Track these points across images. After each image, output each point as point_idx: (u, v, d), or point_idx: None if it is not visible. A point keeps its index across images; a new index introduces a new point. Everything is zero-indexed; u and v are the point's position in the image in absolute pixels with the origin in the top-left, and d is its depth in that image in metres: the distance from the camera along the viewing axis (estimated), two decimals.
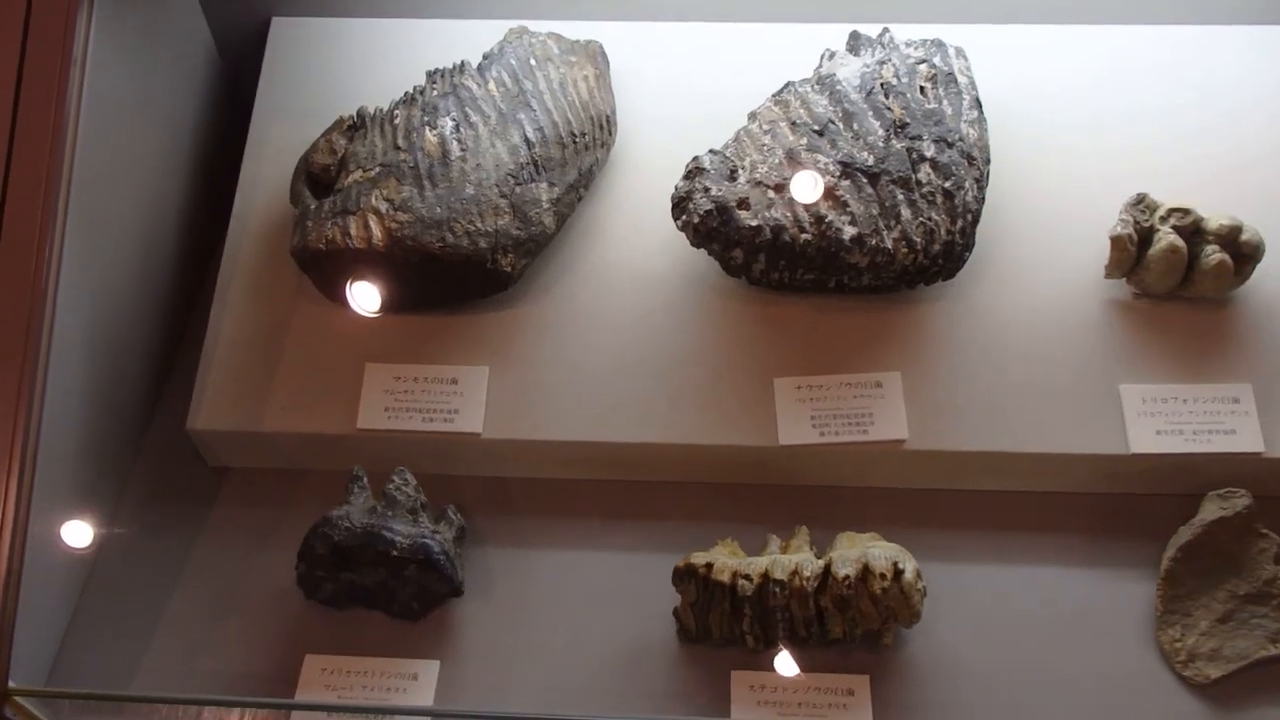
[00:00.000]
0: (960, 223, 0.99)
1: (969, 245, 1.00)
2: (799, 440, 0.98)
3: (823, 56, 1.09)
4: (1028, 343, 1.01)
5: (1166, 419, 0.98)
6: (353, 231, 0.98)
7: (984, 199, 1.02)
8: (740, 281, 1.03)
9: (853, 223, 0.97)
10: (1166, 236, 0.99)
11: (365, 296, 1.02)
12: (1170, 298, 1.01)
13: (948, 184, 0.98)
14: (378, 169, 1.01)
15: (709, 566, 0.90)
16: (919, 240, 0.97)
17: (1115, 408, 0.98)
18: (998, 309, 1.02)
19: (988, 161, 1.03)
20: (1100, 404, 0.98)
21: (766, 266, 0.99)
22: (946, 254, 0.98)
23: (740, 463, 1.00)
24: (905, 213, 0.98)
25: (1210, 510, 0.96)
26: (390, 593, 0.93)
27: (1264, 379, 0.98)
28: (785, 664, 0.93)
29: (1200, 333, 1.01)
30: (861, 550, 0.91)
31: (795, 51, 1.13)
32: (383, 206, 0.99)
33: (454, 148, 1.01)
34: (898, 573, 0.88)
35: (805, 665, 0.92)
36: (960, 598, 0.96)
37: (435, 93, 1.06)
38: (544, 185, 1.02)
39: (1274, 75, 1.13)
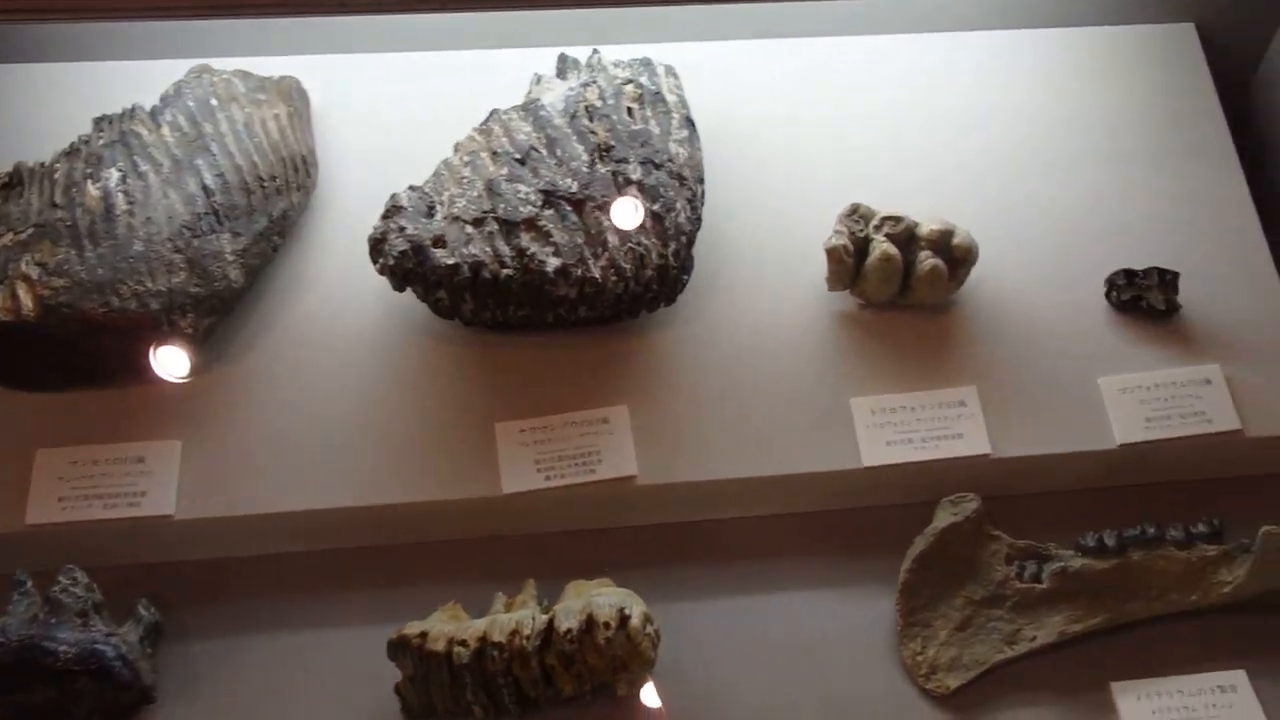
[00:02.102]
0: (673, 245, 0.95)
1: (686, 268, 0.97)
2: (524, 487, 0.92)
3: (532, 82, 1.05)
4: (757, 363, 0.98)
5: (896, 429, 0.96)
6: None
7: (700, 219, 0.99)
8: (456, 324, 0.98)
9: (556, 253, 0.92)
10: (880, 245, 0.98)
11: (29, 374, 0.93)
12: (892, 306, 1.01)
13: (656, 206, 0.94)
14: (30, 230, 0.90)
15: (423, 636, 0.83)
16: (628, 267, 0.93)
17: (847, 422, 0.96)
18: (725, 331, 0.99)
19: (701, 180, 0.99)
20: (833, 419, 0.96)
21: (476, 306, 0.93)
22: (661, 278, 0.94)
23: (464, 517, 0.93)
24: (612, 239, 0.94)
25: (943, 517, 0.94)
26: (65, 711, 0.82)
27: (988, 380, 0.97)
28: None
29: (925, 339, 0.99)
30: (587, 599, 0.86)
31: (512, 76, 1.08)
32: (34, 272, 0.88)
33: (119, 201, 0.92)
34: (623, 620, 0.83)
35: None
36: (705, 633, 0.92)
37: (101, 141, 0.96)
38: (227, 236, 0.94)
39: (989, 80, 1.13)
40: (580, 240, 0.92)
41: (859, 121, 1.11)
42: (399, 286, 0.93)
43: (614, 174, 0.94)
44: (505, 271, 0.91)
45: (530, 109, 0.99)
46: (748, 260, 1.03)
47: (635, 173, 0.95)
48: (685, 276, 0.96)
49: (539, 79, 1.04)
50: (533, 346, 0.98)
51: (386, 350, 0.98)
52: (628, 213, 0.94)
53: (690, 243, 0.97)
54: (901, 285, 0.99)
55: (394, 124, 1.09)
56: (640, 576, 0.92)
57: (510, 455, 0.93)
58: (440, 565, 0.94)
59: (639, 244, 0.93)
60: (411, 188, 0.95)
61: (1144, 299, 1.00)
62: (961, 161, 1.09)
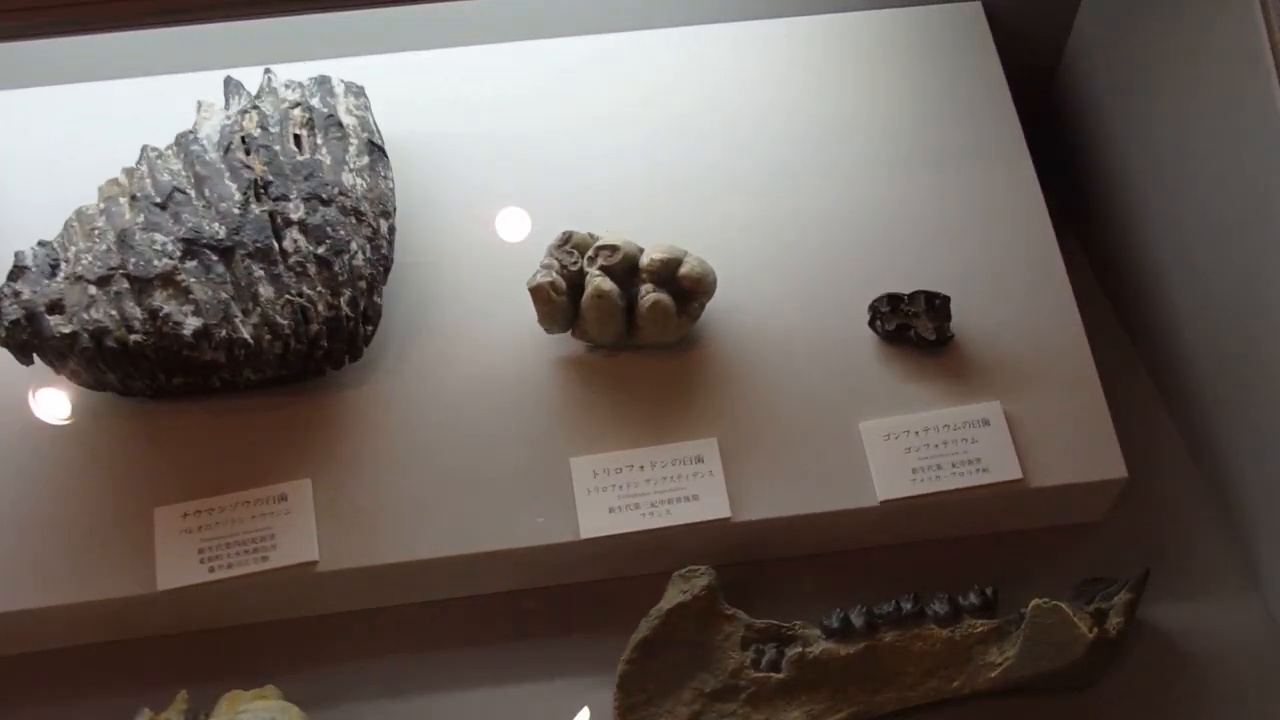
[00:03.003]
0: (349, 292, 0.82)
1: (369, 317, 0.84)
2: (183, 581, 0.79)
3: (196, 110, 0.91)
4: (465, 421, 0.85)
5: (620, 492, 0.83)
6: None
7: (389, 258, 0.86)
8: (110, 396, 0.85)
9: (197, 312, 0.78)
10: (594, 280, 0.85)
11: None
12: (623, 348, 0.87)
13: (321, 249, 0.82)
14: None
15: None
16: (286, 323, 0.80)
17: (566, 485, 0.84)
18: (428, 386, 0.86)
19: (389, 214, 0.86)
20: (552, 484, 0.83)
21: (123, 376, 0.81)
22: (334, 332, 0.81)
23: (116, 619, 0.81)
24: (266, 291, 0.81)
25: (671, 595, 0.81)
26: None
27: (731, 431, 0.84)
28: None
29: (658, 385, 0.86)
30: (235, 716, 0.75)
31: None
32: None
33: None
34: None
35: None
36: None
37: None
38: None
39: (736, 77, 0.99)
40: (227, 295, 0.79)
41: (587, 131, 0.97)
42: (24, 359, 0.81)
43: (272, 214, 0.82)
44: (134, 337, 0.78)
45: (182, 143, 0.85)
46: (454, 302, 0.89)
47: (297, 211, 0.81)
48: (369, 328, 0.84)
49: (200, 106, 0.91)
50: (205, 413, 0.85)
51: (31, 431, 0.85)
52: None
53: (372, 288, 0.83)
54: (627, 323, 0.87)
55: (66, 164, 0.94)
56: (317, 677, 0.81)
57: (170, 545, 0.80)
58: (88, 674, 0.82)
59: (299, 295, 0.80)
60: (41, 243, 0.83)
61: (911, 327, 0.87)
62: (701, 174, 0.95)
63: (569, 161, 0.95)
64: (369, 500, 0.83)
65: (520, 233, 0.92)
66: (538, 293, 0.84)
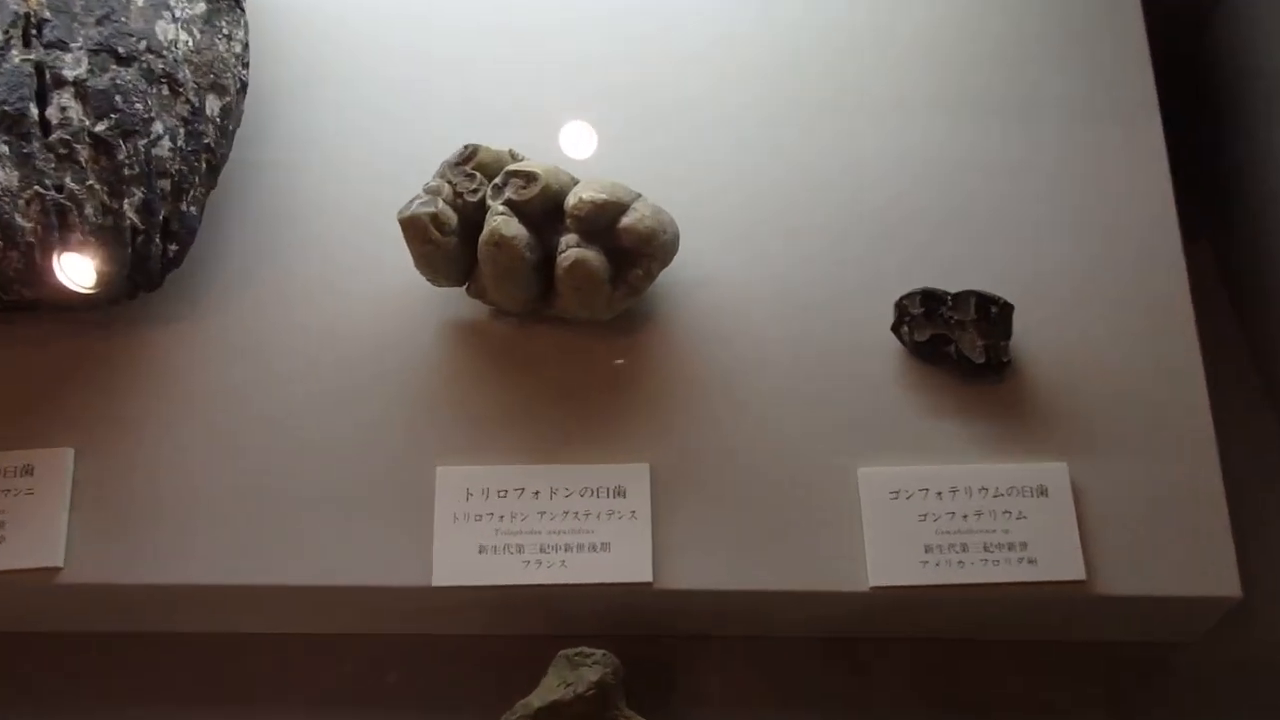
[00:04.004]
0: (140, 193, 0.58)
1: (174, 232, 0.60)
2: None
3: None
4: (299, 397, 0.62)
5: (499, 525, 0.59)
6: None
7: (219, 153, 0.62)
8: None
9: None
10: (494, 220, 0.59)
11: None
12: (538, 318, 0.64)
13: (102, 126, 0.58)
14: None
15: None
16: (30, 225, 0.55)
17: (426, 507, 0.59)
18: (258, 340, 0.63)
19: (228, 91, 0.62)
20: (406, 500, 0.59)
21: None
22: (109, 248, 0.57)
23: None
24: (5, 175, 0.56)
25: (549, 686, 0.58)
26: None
27: (668, 454, 0.60)
28: None
29: (581, 377, 0.62)
30: None
31: None
32: None
33: None
34: None
35: None
36: None
37: None
38: None
39: None
40: None
41: (544, 12, 0.72)
42: None
43: (39, 67, 0.58)
44: None
45: None
46: (312, 226, 0.66)
47: (77, 66, 0.58)
48: (171, 246, 0.60)
49: None
50: None
51: None
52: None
53: (183, 190, 0.60)
54: (541, 286, 0.63)
55: None
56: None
57: None
58: None
59: (57, 188, 0.56)
60: None
61: (952, 341, 0.63)
62: (689, 94, 0.70)
63: (510, 55, 0.71)
64: (149, 489, 0.61)
65: (422, 143, 0.66)
66: (411, 227, 0.59)
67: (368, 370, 0.62)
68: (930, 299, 0.62)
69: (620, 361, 0.61)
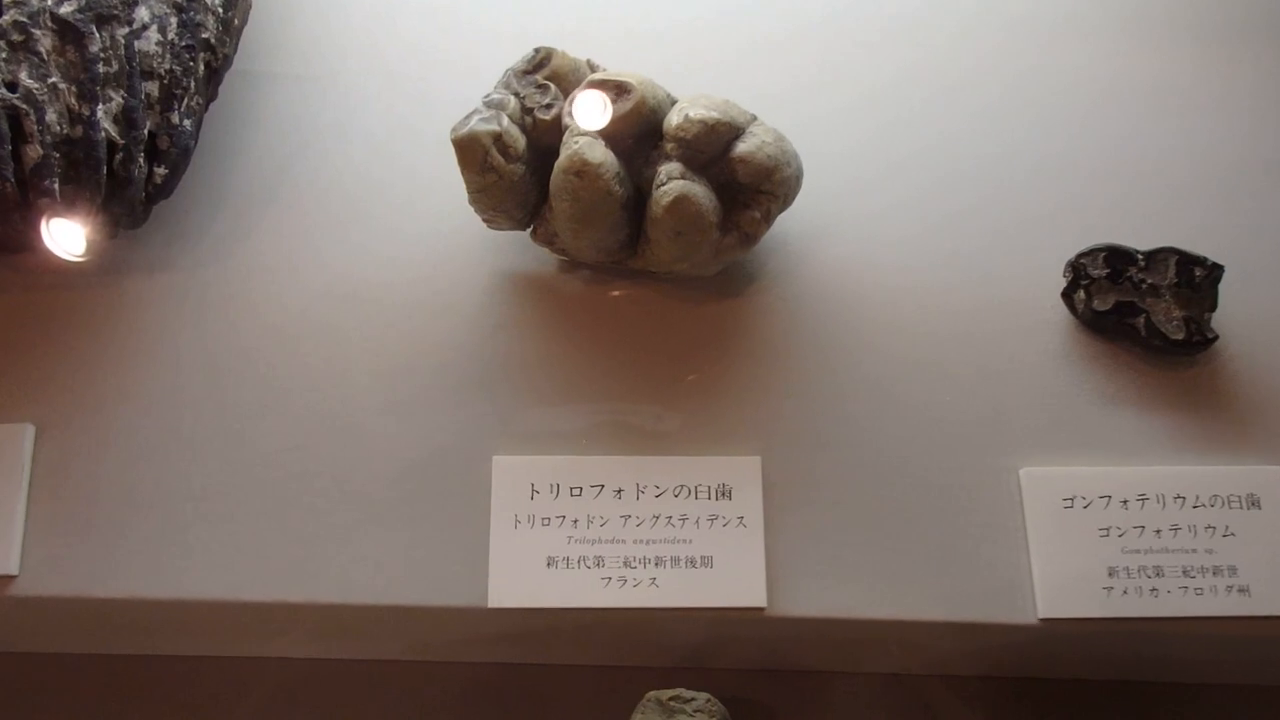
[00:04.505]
0: (119, 98, 0.47)
1: (162, 151, 0.47)
2: None
3: None
4: (322, 368, 0.50)
5: (575, 531, 0.48)
6: None
7: (224, 54, 0.50)
8: None
9: None
10: (574, 143, 0.47)
11: None
12: (618, 271, 0.52)
13: (70, 7, 0.46)
14: None
15: None
16: None
17: (482, 505, 0.48)
18: (272, 295, 0.51)
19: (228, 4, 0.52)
20: (456, 499, 0.48)
21: None
22: (78, 166, 0.44)
23: None
24: None
25: None
26: None
27: (785, 447, 0.49)
28: None
29: (679, 347, 0.50)
30: None
31: None
32: None
33: None
34: None
35: None
36: None
37: None
38: None
39: None
40: None
41: None
42: None
43: None
44: None
45: None
46: (341, 155, 0.54)
47: None
48: (159, 168, 0.48)
49: None
50: None
51: None
52: None
53: (173, 97, 0.48)
54: (630, 230, 0.51)
55: None
56: None
57: None
58: None
59: (2, 86, 0.44)
60: None
61: (1143, 311, 0.51)
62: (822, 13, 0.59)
63: None
64: (125, 477, 0.50)
65: (475, 51, 0.56)
66: (468, 149, 0.47)
67: (406, 335, 0.51)
68: (1116, 258, 0.51)
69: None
